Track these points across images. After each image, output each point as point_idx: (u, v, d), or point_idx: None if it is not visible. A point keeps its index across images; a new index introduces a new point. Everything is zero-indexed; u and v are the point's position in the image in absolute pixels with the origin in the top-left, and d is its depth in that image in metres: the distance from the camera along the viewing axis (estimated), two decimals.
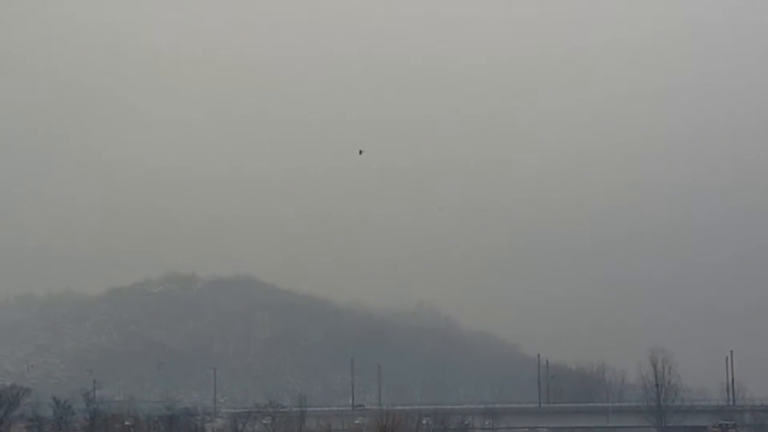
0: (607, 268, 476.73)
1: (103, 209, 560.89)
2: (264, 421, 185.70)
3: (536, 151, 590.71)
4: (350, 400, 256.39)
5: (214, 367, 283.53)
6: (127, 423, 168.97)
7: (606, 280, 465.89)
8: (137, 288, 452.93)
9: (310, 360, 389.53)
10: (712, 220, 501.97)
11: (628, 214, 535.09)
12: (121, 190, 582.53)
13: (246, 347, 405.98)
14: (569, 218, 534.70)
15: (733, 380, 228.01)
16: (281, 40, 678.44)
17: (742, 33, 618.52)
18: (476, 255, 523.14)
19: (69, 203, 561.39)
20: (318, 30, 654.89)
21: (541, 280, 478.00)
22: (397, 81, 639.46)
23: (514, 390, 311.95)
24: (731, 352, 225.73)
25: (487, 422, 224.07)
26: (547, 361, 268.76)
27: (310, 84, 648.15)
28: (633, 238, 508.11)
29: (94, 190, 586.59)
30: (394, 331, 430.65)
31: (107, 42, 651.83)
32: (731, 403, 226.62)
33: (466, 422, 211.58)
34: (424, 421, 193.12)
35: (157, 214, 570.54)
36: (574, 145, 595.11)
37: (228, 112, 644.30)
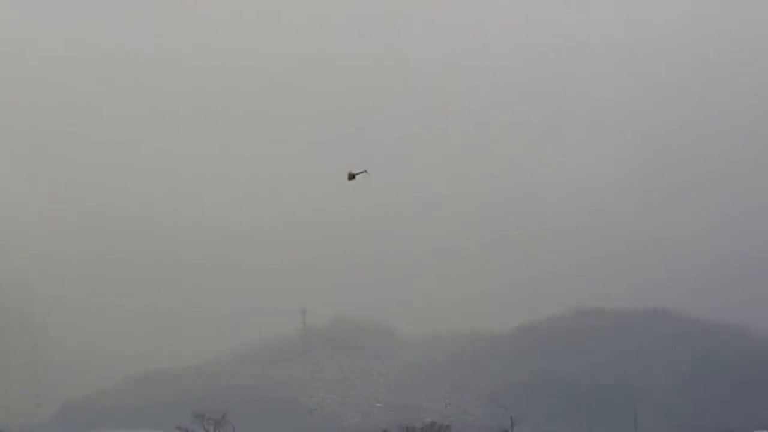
0: None
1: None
2: None
3: None
4: None
5: (634, 402, 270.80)
6: None
7: None
8: (546, 323, 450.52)
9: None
10: None
11: None
12: None
13: (665, 381, 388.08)
14: None
15: None
16: None
17: None
18: None
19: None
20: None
21: None
22: None
23: None
24: None
25: None
26: None
27: None
28: None
29: None
30: None
31: None
32: None
33: None
34: None
35: (563, 248, 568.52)
36: None
37: None
